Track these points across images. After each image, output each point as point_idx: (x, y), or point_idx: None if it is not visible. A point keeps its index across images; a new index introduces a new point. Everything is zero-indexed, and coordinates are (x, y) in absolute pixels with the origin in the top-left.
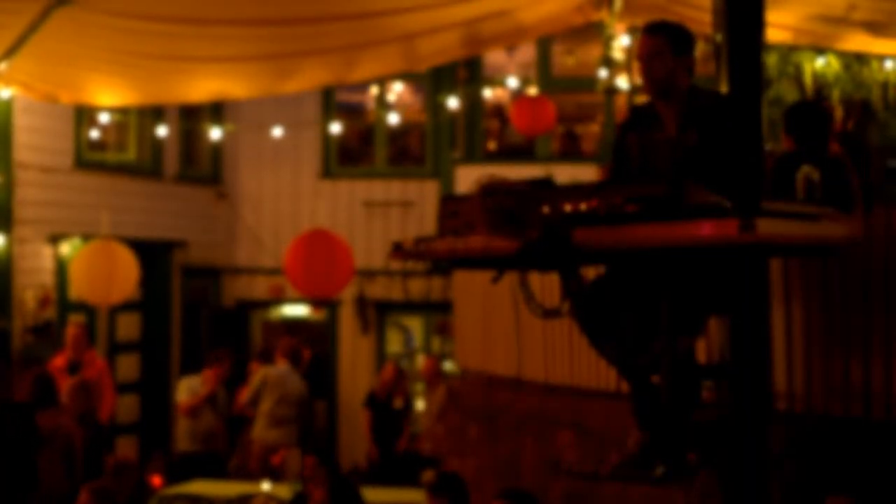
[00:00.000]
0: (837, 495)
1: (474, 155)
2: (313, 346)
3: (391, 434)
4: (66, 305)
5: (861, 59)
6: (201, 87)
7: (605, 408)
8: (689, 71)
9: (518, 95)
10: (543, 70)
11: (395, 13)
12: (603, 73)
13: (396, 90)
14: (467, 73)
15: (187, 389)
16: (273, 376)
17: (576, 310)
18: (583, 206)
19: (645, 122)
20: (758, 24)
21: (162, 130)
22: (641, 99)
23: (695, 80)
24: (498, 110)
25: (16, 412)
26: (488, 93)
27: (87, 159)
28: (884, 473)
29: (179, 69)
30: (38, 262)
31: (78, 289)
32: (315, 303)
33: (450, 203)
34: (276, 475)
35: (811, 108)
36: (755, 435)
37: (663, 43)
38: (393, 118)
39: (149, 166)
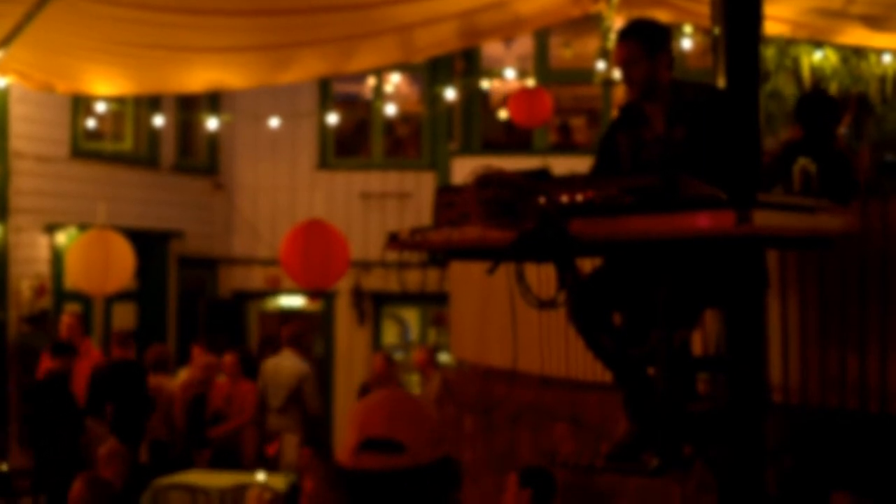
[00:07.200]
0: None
1: (471, 146)
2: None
3: None
4: (61, 295)
5: (859, 52)
6: (198, 77)
7: (601, 400)
8: (668, 66)
9: (516, 87)
10: (541, 62)
11: (393, 3)
12: (600, 65)
13: (394, 81)
14: (465, 64)
15: None
16: (265, 368)
17: (571, 301)
18: (579, 198)
19: (633, 120)
20: (756, 16)
21: (159, 120)
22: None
23: (688, 74)
24: (495, 102)
25: (132, 369)
26: (485, 84)
27: (84, 149)
28: (879, 466)
29: (176, 59)
30: (33, 252)
31: (74, 278)
32: (311, 294)
33: (446, 194)
34: (271, 464)
35: (824, 98)
36: (751, 427)
37: (636, 47)
38: (390, 109)
39: (145, 156)
